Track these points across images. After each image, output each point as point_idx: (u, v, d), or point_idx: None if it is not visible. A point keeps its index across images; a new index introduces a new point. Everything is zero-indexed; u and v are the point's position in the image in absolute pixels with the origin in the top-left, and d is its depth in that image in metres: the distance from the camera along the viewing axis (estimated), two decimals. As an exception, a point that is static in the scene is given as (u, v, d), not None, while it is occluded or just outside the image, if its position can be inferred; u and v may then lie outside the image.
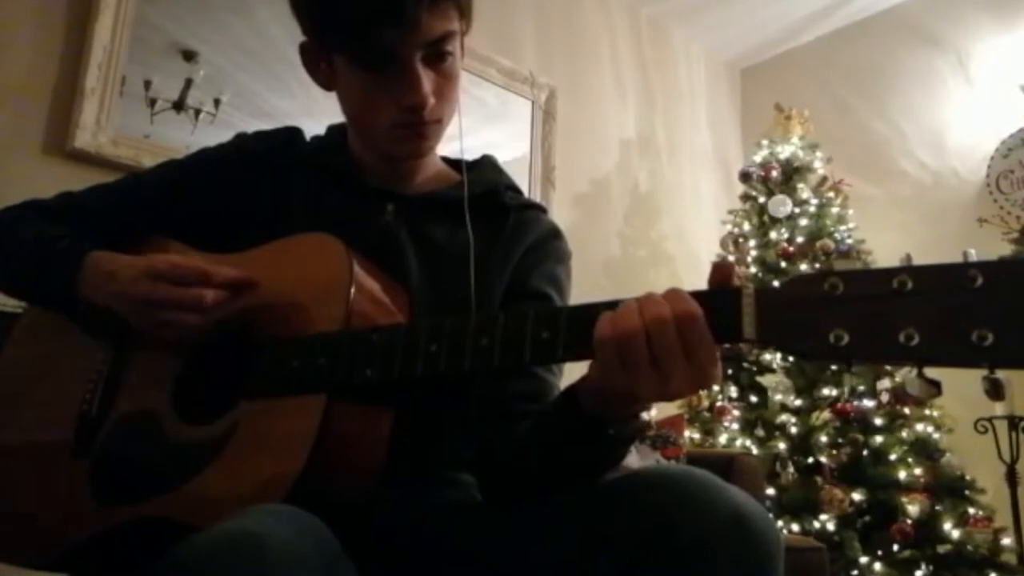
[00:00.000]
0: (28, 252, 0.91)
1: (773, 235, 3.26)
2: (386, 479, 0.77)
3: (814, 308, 0.55)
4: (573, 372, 0.72)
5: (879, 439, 2.77)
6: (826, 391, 2.91)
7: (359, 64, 0.83)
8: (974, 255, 0.51)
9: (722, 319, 0.59)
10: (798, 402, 2.95)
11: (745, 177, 3.45)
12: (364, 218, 0.91)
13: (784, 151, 3.40)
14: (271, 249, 0.87)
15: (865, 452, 2.77)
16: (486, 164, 1.03)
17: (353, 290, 0.76)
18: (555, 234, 0.98)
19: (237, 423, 0.77)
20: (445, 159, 1.03)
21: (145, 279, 0.80)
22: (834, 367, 2.89)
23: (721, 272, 0.62)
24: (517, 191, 1.01)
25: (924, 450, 2.78)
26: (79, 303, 0.87)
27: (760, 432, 2.96)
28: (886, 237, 3.31)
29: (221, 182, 0.96)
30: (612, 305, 0.64)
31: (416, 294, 0.86)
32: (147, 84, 2.16)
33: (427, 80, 0.84)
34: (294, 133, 1.01)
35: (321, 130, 1.03)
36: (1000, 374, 0.51)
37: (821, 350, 0.55)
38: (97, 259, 0.86)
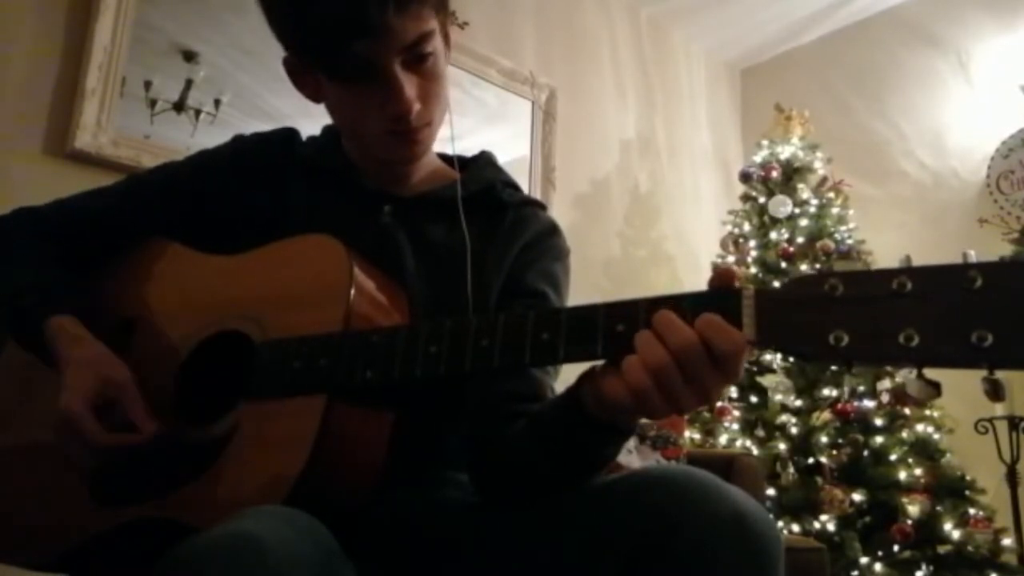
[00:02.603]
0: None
1: (773, 235, 3.26)
2: (386, 480, 0.77)
3: (814, 309, 0.55)
4: (570, 371, 0.72)
5: (879, 439, 2.77)
6: (826, 391, 2.91)
7: (338, 78, 0.83)
8: (973, 256, 0.51)
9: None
10: (798, 402, 2.95)
11: (745, 177, 3.45)
12: (361, 220, 0.91)
13: (784, 151, 3.40)
14: (271, 250, 0.87)
15: (865, 452, 2.77)
16: (484, 161, 1.02)
17: (353, 291, 0.76)
18: (552, 230, 0.98)
19: (237, 424, 0.77)
20: (442, 156, 1.03)
21: (57, 416, 0.78)
22: (834, 367, 2.89)
23: (722, 277, 0.62)
24: (515, 188, 1.00)
25: (924, 450, 2.78)
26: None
27: (760, 432, 2.96)
28: (886, 238, 3.31)
29: (219, 184, 0.96)
30: (612, 306, 0.64)
31: (414, 294, 0.86)
32: (147, 85, 2.16)
33: (410, 85, 0.82)
34: (291, 134, 1.00)
35: (320, 130, 1.03)
36: (1000, 375, 0.51)
37: (821, 351, 0.54)
38: (55, 333, 0.84)
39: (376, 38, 0.78)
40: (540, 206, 1.01)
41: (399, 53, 0.81)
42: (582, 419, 0.69)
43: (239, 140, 1.00)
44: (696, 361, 0.59)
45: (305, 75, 0.89)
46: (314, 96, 0.91)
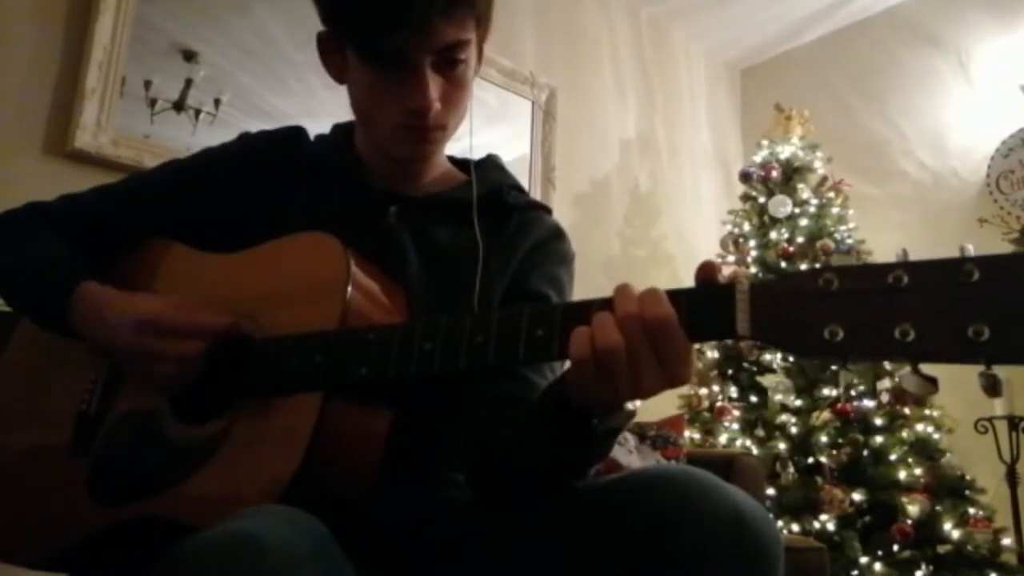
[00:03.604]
0: (22, 274, 0.91)
1: (773, 235, 3.26)
2: (385, 480, 0.77)
3: (809, 304, 0.55)
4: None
5: (879, 439, 2.77)
6: (826, 391, 2.91)
7: (369, 61, 0.84)
8: (971, 250, 0.51)
9: (716, 315, 0.59)
10: (798, 402, 2.95)
11: (745, 177, 3.45)
12: (366, 220, 0.91)
13: (784, 151, 3.40)
14: (268, 248, 0.87)
15: (865, 452, 2.76)
16: (490, 164, 1.02)
17: (350, 288, 0.76)
18: (557, 235, 0.98)
19: (234, 422, 0.77)
20: (451, 158, 1.03)
21: (130, 329, 0.80)
22: (834, 367, 2.89)
23: (705, 271, 0.62)
24: (521, 191, 1.01)
25: (924, 450, 2.78)
26: (72, 330, 0.87)
27: (760, 432, 2.96)
28: (886, 237, 3.31)
29: (223, 183, 0.96)
30: (607, 303, 0.63)
31: (416, 296, 0.85)
32: (147, 84, 2.16)
33: (435, 85, 0.83)
34: (297, 133, 1.00)
35: (321, 129, 1.02)
36: (1000, 373, 0.50)
37: (815, 346, 0.54)
38: (88, 293, 0.86)
39: (416, 34, 0.80)
40: (546, 210, 1.01)
41: (433, 53, 0.82)
42: (564, 407, 0.68)
43: (245, 138, 1.00)
44: (636, 334, 0.60)
45: (335, 53, 0.90)
46: (338, 76, 0.91)
